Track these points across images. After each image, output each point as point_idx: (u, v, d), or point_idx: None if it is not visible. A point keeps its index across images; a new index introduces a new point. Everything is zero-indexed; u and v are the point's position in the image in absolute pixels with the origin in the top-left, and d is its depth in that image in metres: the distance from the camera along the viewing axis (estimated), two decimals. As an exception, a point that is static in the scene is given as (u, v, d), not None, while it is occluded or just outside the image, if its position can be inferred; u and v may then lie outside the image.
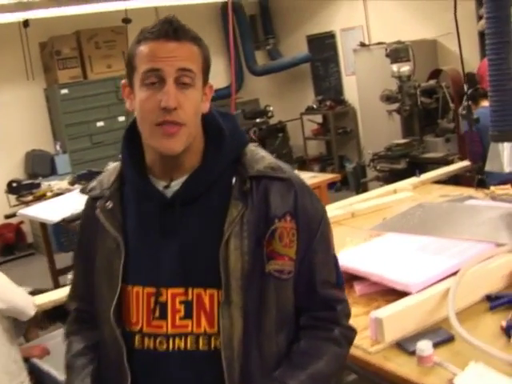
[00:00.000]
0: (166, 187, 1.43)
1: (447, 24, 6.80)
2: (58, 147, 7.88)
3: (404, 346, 1.90)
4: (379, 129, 7.11)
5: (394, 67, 5.85)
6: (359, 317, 2.12)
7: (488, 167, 2.74)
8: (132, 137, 1.48)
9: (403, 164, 5.77)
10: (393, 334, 1.94)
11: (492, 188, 3.47)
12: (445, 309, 2.03)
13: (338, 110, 8.62)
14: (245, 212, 1.38)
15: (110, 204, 1.47)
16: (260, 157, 1.47)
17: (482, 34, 6.13)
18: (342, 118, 8.71)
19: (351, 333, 1.52)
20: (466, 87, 4.15)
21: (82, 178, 5.67)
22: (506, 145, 2.65)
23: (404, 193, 3.69)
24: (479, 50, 6.27)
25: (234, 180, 1.42)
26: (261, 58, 9.55)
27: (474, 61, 6.27)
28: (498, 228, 2.52)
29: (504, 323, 1.92)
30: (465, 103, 4.12)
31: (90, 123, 7.68)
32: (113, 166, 1.58)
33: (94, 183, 1.56)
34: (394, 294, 2.24)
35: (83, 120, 7.63)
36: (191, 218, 1.41)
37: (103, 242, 1.47)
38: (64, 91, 7.54)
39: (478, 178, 4.18)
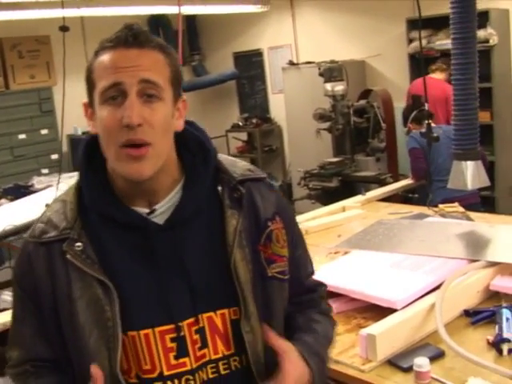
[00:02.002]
0: (150, 213, 1.29)
1: (375, 45, 7.03)
2: (-24, 160, 7.49)
3: (397, 363, 1.88)
4: (307, 147, 7.16)
5: (328, 86, 5.86)
6: (342, 335, 2.10)
7: (451, 185, 2.80)
8: (91, 157, 1.32)
9: (335, 182, 5.80)
10: (384, 351, 1.92)
11: (441, 206, 3.55)
12: (429, 324, 2.05)
13: (263, 127, 8.64)
14: (240, 219, 1.33)
15: (80, 245, 1.26)
16: (232, 160, 1.43)
17: (411, 56, 6.33)
18: (267, 135, 8.74)
19: (330, 309, 1.57)
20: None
21: (9, 193, 5.39)
22: (470, 163, 2.72)
23: (354, 210, 3.71)
24: (409, 71, 6.45)
25: (219, 188, 1.35)
26: (186, 74, 9.44)
27: (403, 82, 6.47)
28: (465, 245, 2.57)
29: (491, 338, 1.95)
30: (409, 124, 4.23)
31: (11, 135, 7.29)
32: (60, 200, 1.34)
33: (39, 226, 1.31)
34: (370, 310, 2.24)
35: (4, 132, 7.23)
36: (188, 240, 1.30)
37: (83, 290, 1.25)
38: (-16, 101, 7.19)
39: (418, 196, 4.29)
